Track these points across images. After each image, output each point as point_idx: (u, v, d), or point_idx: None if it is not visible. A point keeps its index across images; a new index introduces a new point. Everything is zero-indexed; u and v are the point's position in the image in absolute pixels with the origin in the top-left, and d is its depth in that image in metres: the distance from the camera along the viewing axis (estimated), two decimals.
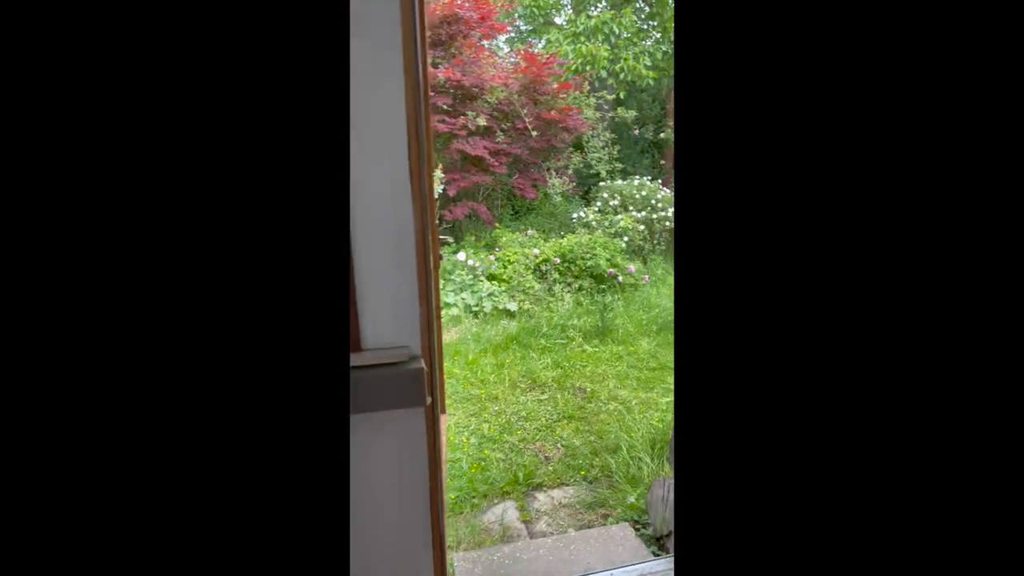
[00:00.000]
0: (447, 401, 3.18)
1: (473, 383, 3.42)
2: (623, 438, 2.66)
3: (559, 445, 2.75)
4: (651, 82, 7.21)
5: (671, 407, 3.01)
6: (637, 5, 7.89)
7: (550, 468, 2.56)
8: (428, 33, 4.79)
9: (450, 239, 5.88)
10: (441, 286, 4.72)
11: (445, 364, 3.60)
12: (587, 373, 3.55)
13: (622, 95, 7.13)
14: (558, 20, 7.83)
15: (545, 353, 3.83)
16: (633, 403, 3.14)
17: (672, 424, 2.57)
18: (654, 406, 3.12)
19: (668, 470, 2.35)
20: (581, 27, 6.74)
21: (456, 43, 4.57)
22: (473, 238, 5.95)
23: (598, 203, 6.32)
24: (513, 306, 4.54)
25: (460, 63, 4.58)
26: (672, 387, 3.50)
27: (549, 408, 3.12)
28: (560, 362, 3.68)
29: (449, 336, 4.14)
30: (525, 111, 5.17)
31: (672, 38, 7.91)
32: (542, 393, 3.31)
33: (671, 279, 5.64)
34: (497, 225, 5.81)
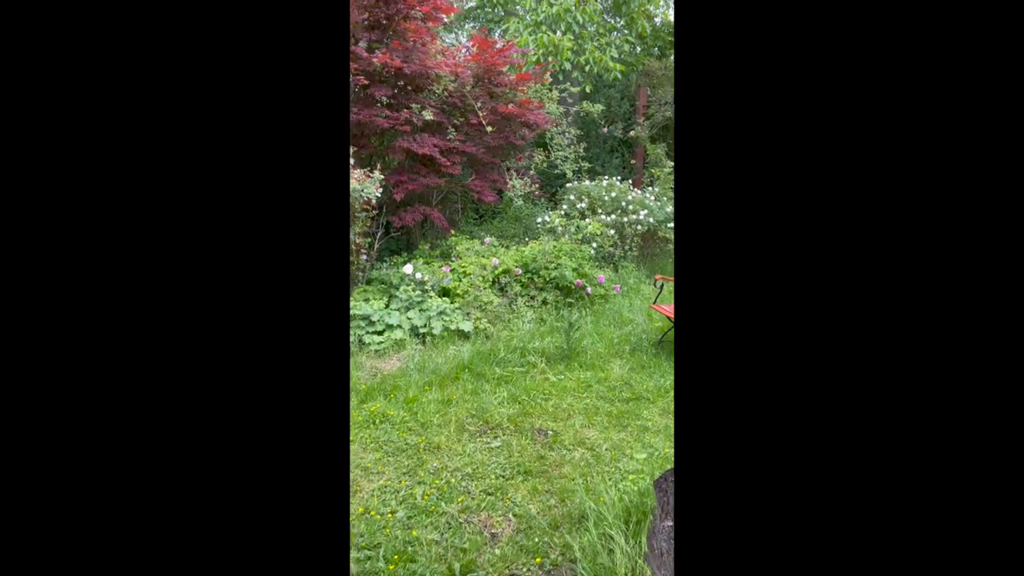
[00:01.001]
0: (373, 456, 2.57)
1: (412, 428, 2.82)
2: (590, 505, 2.10)
3: (510, 515, 2.18)
4: (619, 76, 6.73)
5: (648, 463, 2.46)
6: None
7: (496, 551, 1.98)
8: (363, 15, 4.18)
9: (399, 250, 5.27)
10: (384, 304, 4.10)
11: (378, 406, 2.99)
12: (549, 408, 2.99)
13: (588, 89, 6.64)
14: (520, 11, 7.30)
15: (501, 384, 3.25)
16: (603, 448, 2.59)
17: (650, 492, 2.03)
18: (628, 452, 2.57)
19: (644, 563, 1.79)
20: (542, 15, 6.22)
21: (395, 25, 3.98)
22: (428, 247, 5.35)
23: (564, 206, 5.79)
24: (467, 326, 3.95)
25: (401, 48, 3.99)
26: (648, 429, 2.98)
27: (502, 459, 2.54)
28: (518, 395, 3.11)
29: (388, 366, 3.53)
30: (479, 104, 4.60)
31: (639, 30, 7.46)
32: (494, 438, 2.73)
33: (645, 288, 5.13)
34: (454, 232, 5.22)
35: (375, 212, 4.29)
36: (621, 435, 2.73)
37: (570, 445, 2.64)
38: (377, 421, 2.86)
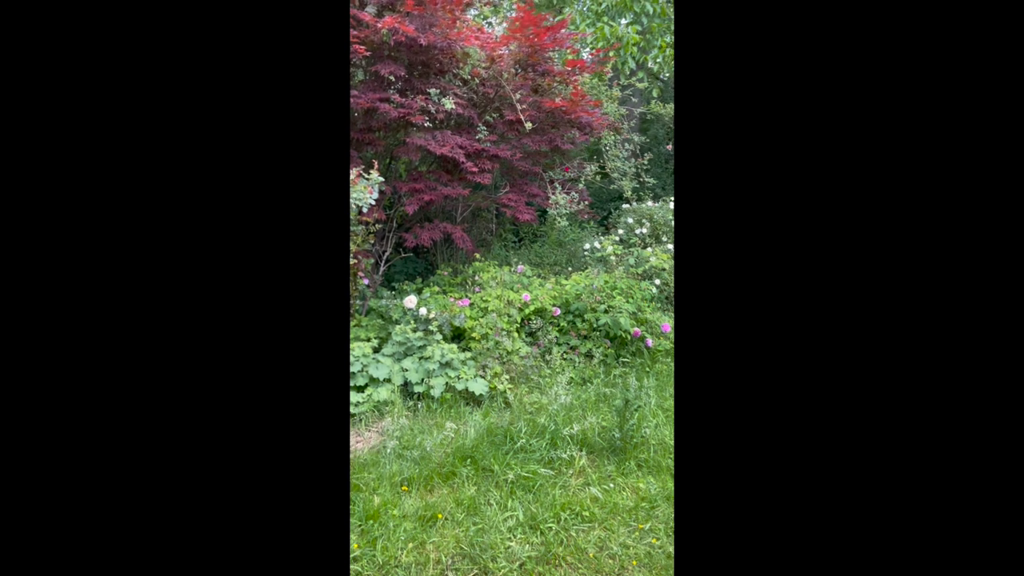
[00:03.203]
0: None
1: (362, 571, 1.72)
2: None
3: None
4: None
5: None
6: None
7: None
8: None
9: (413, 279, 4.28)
10: (375, 347, 3.07)
11: None
12: (590, 551, 1.83)
13: (655, 93, 5.54)
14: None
15: (517, 492, 2.12)
16: None
17: None
18: None
19: None
20: (604, 3, 5.21)
21: None
22: (449, 272, 4.33)
23: (620, 231, 4.66)
24: (480, 386, 2.86)
25: (418, 11, 3.05)
26: None
27: None
28: (541, 519, 1.97)
29: (360, 443, 2.46)
30: (518, 96, 3.60)
31: None
32: None
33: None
34: (479, 257, 4.19)
35: (377, 226, 3.31)
36: None
37: None
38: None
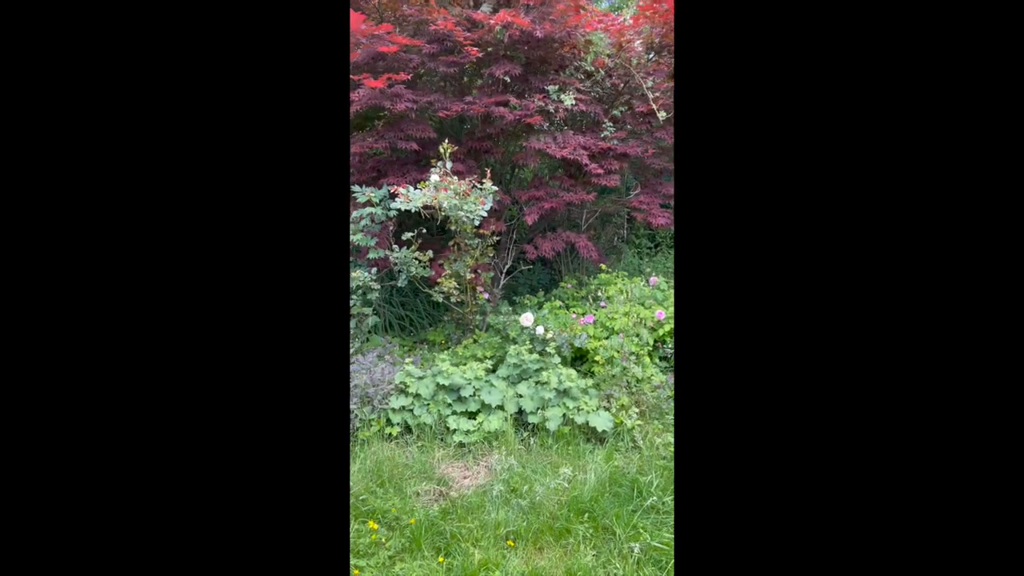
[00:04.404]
0: None
1: None
2: None
3: None
4: None
5: None
6: None
7: None
8: None
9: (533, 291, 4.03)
10: (488, 368, 2.85)
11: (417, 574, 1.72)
12: None
13: None
14: None
15: (646, 568, 1.69)
16: None
17: None
18: None
19: None
20: None
21: None
22: (574, 284, 4.00)
23: None
24: (603, 420, 2.46)
25: (535, 2, 2.77)
26: None
27: None
28: None
29: (468, 480, 2.23)
30: (651, 82, 3.13)
31: None
32: None
33: None
34: (604, 268, 3.78)
35: (495, 238, 3.11)
36: None
37: None
38: None
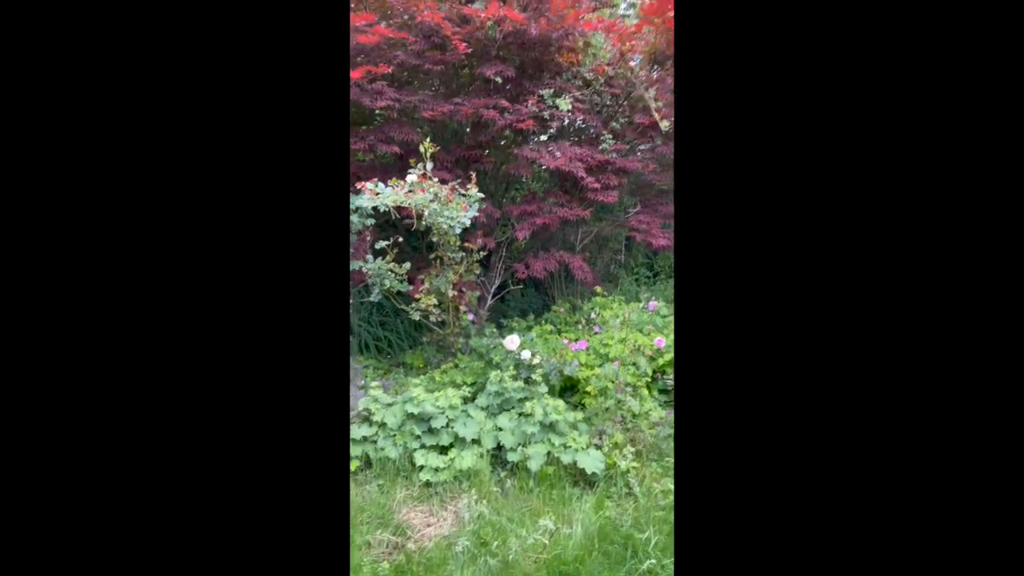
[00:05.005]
0: None
1: None
2: None
3: None
4: None
5: None
6: None
7: None
8: None
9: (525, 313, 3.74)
10: (467, 396, 2.53)
11: None
12: None
13: None
14: None
15: None
16: None
17: None
18: None
19: None
20: None
21: None
22: (567, 308, 3.71)
23: None
24: (593, 461, 2.13)
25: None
26: None
27: None
28: None
29: (429, 530, 1.87)
30: (653, 92, 2.92)
31: None
32: None
33: None
34: (599, 291, 3.50)
35: (481, 254, 2.84)
36: None
37: None
38: None
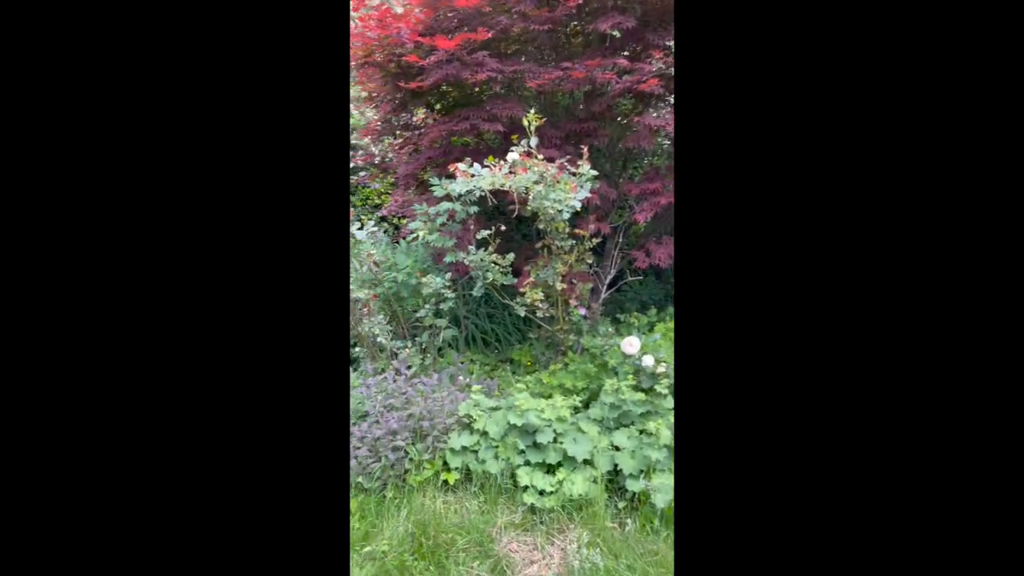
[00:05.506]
0: None
1: None
2: None
3: None
4: None
5: None
6: None
7: None
8: None
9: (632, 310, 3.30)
10: (579, 404, 2.21)
11: None
12: None
13: None
14: None
15: None
16: None
17: None
18: None
19: None
20: None
21: None
22: None
23: None
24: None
25: None
26: None
27: None
28: None
29: (535, 566, 1.59)
30: None
31: None
32: None
33: None
34: None
35: (594, 240, 2.48)
36: None
37: None
38: None
